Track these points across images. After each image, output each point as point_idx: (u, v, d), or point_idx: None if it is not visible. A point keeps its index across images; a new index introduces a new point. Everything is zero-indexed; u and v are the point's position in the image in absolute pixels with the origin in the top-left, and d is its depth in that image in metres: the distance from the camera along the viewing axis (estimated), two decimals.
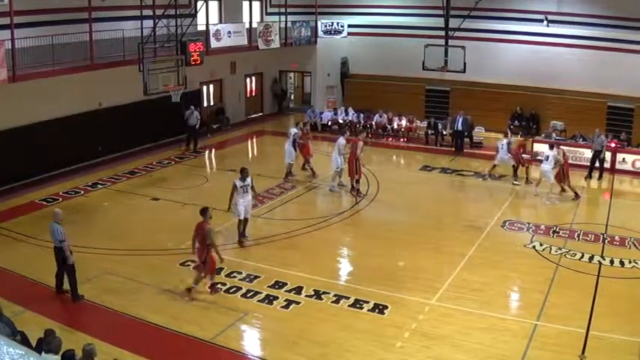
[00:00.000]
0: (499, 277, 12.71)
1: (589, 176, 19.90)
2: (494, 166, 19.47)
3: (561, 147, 18.38)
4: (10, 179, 17.92)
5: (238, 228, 14.33)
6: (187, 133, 22.63)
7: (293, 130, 19.38)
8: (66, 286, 11.75)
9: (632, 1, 23.36)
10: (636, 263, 13.27)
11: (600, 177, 19.95)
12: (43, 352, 7.82)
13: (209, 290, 11.95)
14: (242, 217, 14.17)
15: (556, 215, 16.47)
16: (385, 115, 25.69)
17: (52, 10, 18.57)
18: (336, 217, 16.22)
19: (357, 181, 17.92)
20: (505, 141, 19.29)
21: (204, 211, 11.74)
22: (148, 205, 17.23)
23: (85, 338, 9.31)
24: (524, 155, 19.30)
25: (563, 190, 17.86)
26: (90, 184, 18.74)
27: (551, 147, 17.83)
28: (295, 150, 19.28)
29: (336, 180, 18.31)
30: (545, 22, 25.31)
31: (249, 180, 14.16)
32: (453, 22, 24.66)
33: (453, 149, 23.33)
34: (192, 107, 22.22)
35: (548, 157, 17.43)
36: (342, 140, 18.31)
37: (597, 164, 19.98)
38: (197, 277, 11.79)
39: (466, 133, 23.41)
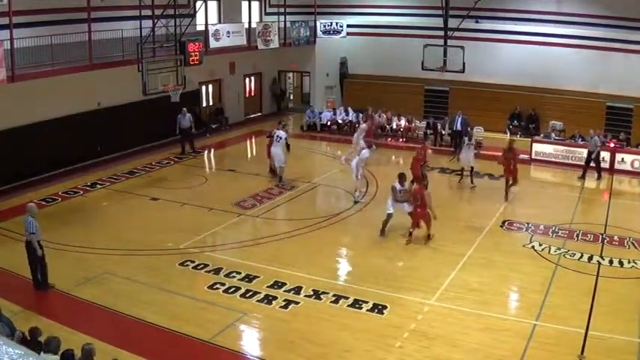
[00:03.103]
0: (498, 277, 12.73)
1: (582, 177, 19.82)
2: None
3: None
4: (9, 179, 17.92)
5: (384, 223, 14.80)
6: (181, 136, 22.43)
7: (282, 134, 18.81)
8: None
9: (632, 1, 23.38)
10: (635, 263, 13.28)
11: (599, 177, 19.94)
12: (42, 352, 7.82)
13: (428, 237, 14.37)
14: (391, 212, 14.74)
15: (555, 215, 16.47)
16: (384, 115, 25.71)
17: (51, 10, 18.57)
18: (336, 217, 16.23)
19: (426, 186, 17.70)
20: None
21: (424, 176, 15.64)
22: (147, 205, 17.23)
23: (84, 338, 9.30)
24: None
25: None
26: (89, 184, 18.75)
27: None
28: (289, 150, 19.18)
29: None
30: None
31: (406, 185, 14.83)
32: (452, 22, 24.67)
33: (452, 149, 23.34)
34: (184, 109, 21.91)
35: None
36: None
37: (593, 164, 19.94)
38: (427, 228, 14.39)
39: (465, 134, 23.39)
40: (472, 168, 18.96)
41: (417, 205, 14.21)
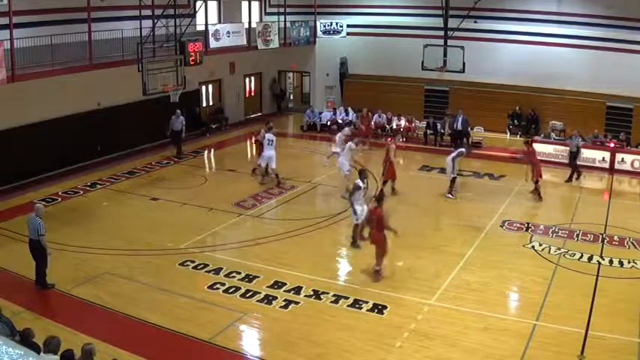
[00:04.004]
0: (498, 277, 12.73)
1: (570, 179, 19.65)
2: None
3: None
4: (9, 179, 17.92)
5: (354, 231, 14.12)
6: (171, 138, 22.24)
7: (270, 135, 18.60)
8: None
9: (632, 1, 23.38)
10: (635, 263, 13.29)
11: (572, 177, 19.71)
12: (42, 352, 7.82)
13: (376, 273, 12.53)
14: (359, 221, 13.82)
15: (555, 215, 16.49)
16: (384, 115, 25.72)
17: (51, 10, 18.57)
18: (336, 217, 16.23)
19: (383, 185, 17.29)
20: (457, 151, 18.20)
21: (380, 199, 13.01)
22: (147, 205, 17.23)
23: (84, 338, 9.31)
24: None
25: None
26: (89, 184, 18.76)
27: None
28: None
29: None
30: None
31: (366, 182, 14.14)
32: (452, 22, 24.68)
33: (453, 149, 23.29)
34: (177, 111, 21.68)
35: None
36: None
37: (578, 162, 19.92)
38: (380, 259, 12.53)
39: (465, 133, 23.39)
40: (454, 178, 17.96)
41: (373, 227, 12.66)
